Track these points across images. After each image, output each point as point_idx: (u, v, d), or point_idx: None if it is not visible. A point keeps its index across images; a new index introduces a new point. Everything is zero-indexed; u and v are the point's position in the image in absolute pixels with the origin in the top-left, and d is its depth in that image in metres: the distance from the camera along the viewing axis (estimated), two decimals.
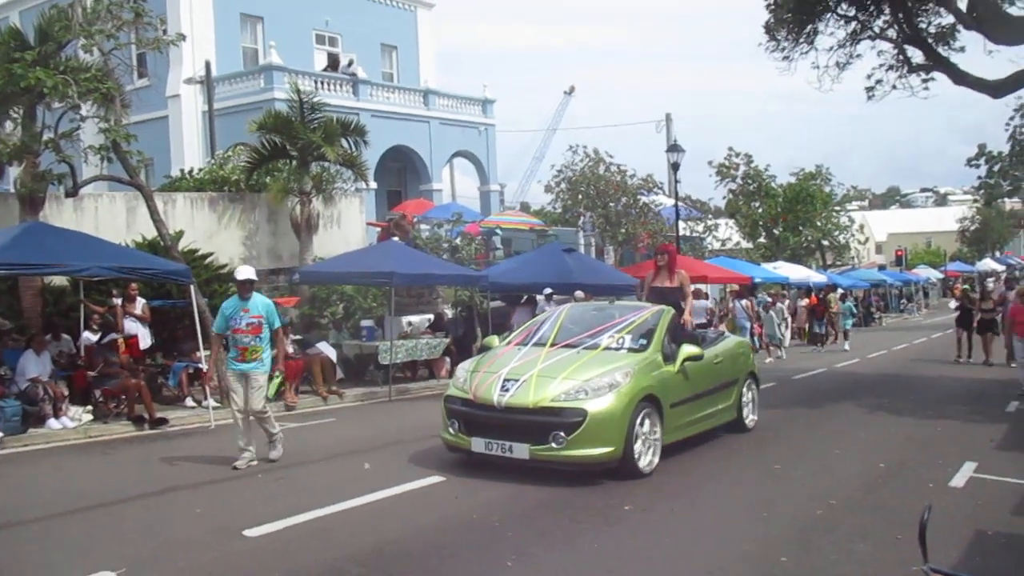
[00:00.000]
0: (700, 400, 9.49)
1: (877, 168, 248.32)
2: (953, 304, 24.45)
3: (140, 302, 13.81)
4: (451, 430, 8.59)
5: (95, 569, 5.67)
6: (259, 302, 9.12)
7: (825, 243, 43.10)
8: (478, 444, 8.22)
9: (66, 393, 11.74)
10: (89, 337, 13.20)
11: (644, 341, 9.09)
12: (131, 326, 13.44)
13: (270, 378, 9.82)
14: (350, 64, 29.39)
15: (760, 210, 41.11)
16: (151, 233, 14.81)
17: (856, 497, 7.65)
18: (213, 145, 24.08)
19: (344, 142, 18.82)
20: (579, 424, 7.82)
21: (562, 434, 7.81)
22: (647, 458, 8.30)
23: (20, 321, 13.28)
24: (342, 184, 20.96)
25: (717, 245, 39.90)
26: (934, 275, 56.11)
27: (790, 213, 40.21)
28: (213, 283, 15.82)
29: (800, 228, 40.57)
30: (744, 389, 10.69)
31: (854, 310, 28.29)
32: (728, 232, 41.79)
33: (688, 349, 9.15)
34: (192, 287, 12.73)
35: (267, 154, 18.73)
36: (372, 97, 28.89)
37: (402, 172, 32.24)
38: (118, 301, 13.57)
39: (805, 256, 41.02)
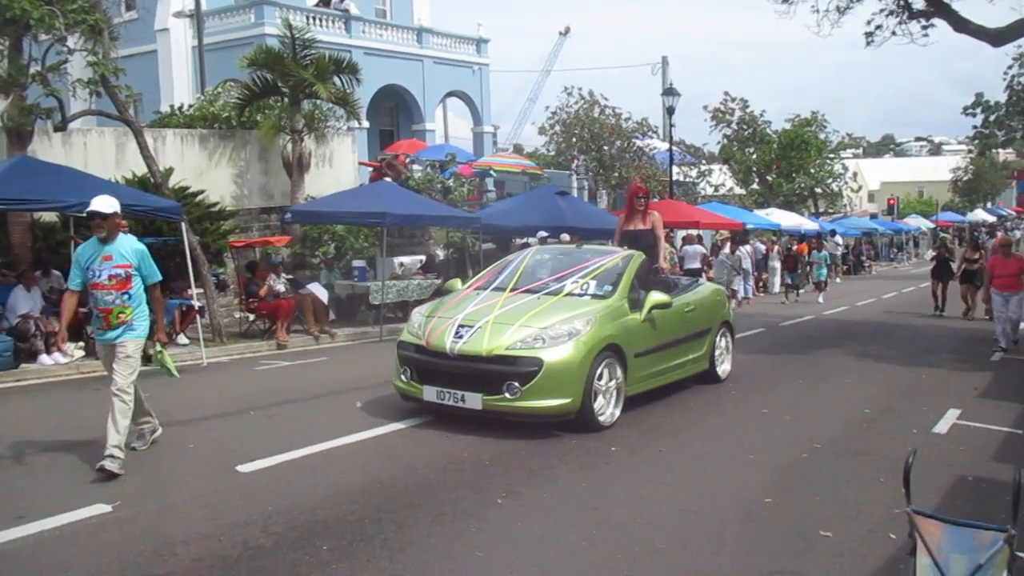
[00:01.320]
0: (668, 350, 9.11)
1: (872, 116, 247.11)
2: (931, 254, 24.01)
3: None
4: (403, 377, 8.24)
5: (90, 502, 5.73)
6: (126, 246, 6.85)
7: (818, 191, 43.07)
8: (430, 393, 7.88)
9: (57, 329, 11.73)
10: None
11: (610, 287, 8.68)
12: None
13: (148, 356, 7.44)
14: (342, 0, 28.89)
15: (754, 156, 40.99)
16: (141, 169, 14.71)
17: (841, 441, 7.77)
18: (203, 81, 23.74)
19: (336, 80, 18.61)
20: (534, 374, 7.48)
21: (517, 384, 7.48)
22: (608, 410, 8.00)
23: (9, 257, 13.23)
24: (334, 122, 20.82)
25: (710, 191, 39.85)
26: (925, 225, 56.25)
27: (784, 160, 40.11)
28: (204, 221, 15.77)
29: (793, 175, 40.51)
30: (717, 339, 10.31)
31: (829, 259, 26.86)
32: (722, 178, 41.71)
33: (655, 296, 8.69)
34: (183, 224, 12.67)
35: (258, 91, 18.52)
36: (365, 34, 28.49)
37: (394, 111, 31.94)
38: None
39: (798, 203, 41.03)
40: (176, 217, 12.60)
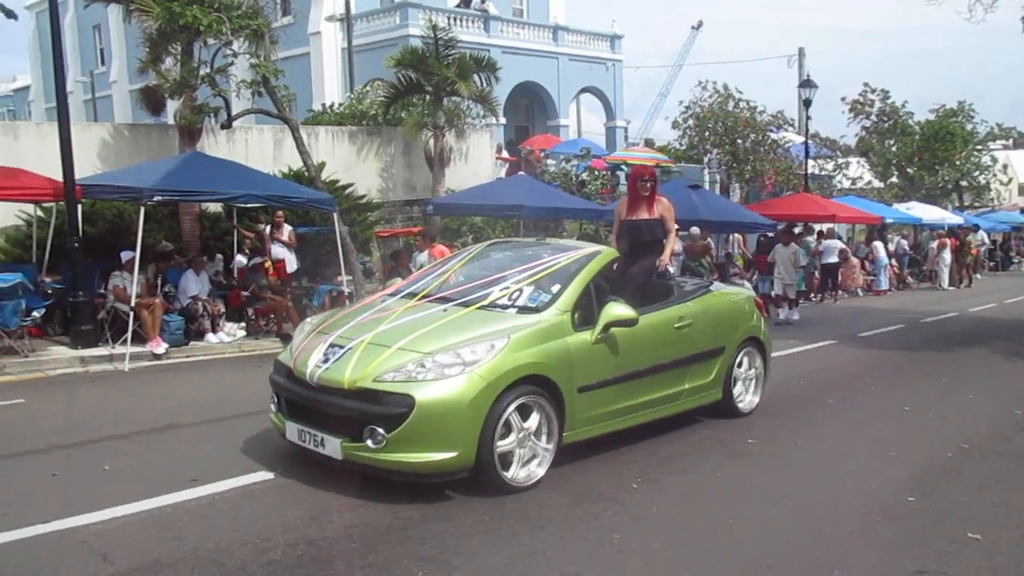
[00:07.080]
0: (644, 379, 6.92)
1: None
2: None
3: (287, 228, 14.64)
4: (272, 407, 6.54)
5: (255, 469, 6.19)
6: None
7: (964, 184, 40.86)
8: (292, 431, 6.12)
9: (222, 310, 12.68)
10: (241, 260, 14.16)
11: (547, 297, 6.51)
12: (279, 251, 14.30)
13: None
14: (483, 0, 29.57)
15: (894, 148, 39.28)
16: (296, 164, 15.60)
17: (989, 443, 7.51)
18: (352, 80, 24.86)
19: (476, 78, 19.21)
20: (403, 416, 5.49)
21: (380, 430, 5.53)
22: (525, 466, 5.96)
23: (180, 244, 14.30)
24: (473, 119, 21.40)
25: (847, 184, 38.46)
26: None
27: (927, 152, 38.25)
28: (352, 212, 16.62)
29: (937, 168, 38.59)
30: (738, 360, 8.07)
31: (802, 259, 18.22)
32: (859, 171, 40.15)
33: (614, 311, 6.46)
34: (335, 215, 13.35)
35: (403, 89, 19.33)
36: (502, 33, 29.07)
37: (530, 108, 32.41)
38: (266, 228, 14.45)
39: (940, 197, 39.06)
40: (329, 208, 13.30)
